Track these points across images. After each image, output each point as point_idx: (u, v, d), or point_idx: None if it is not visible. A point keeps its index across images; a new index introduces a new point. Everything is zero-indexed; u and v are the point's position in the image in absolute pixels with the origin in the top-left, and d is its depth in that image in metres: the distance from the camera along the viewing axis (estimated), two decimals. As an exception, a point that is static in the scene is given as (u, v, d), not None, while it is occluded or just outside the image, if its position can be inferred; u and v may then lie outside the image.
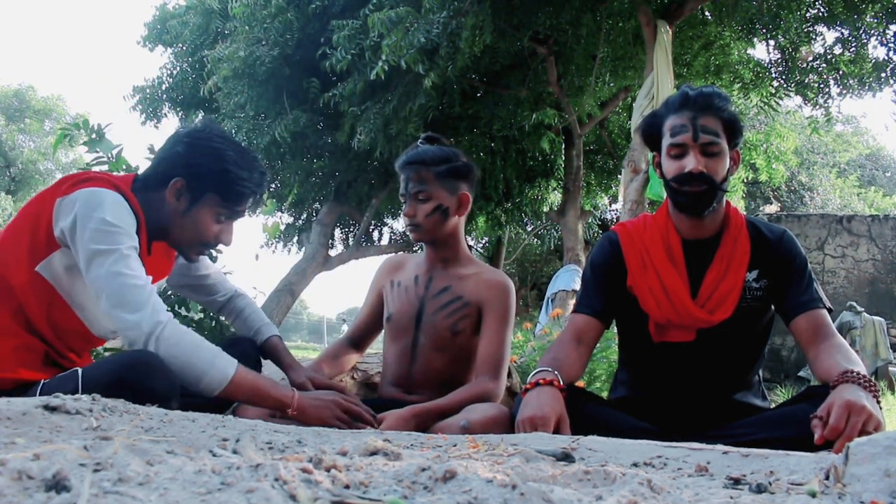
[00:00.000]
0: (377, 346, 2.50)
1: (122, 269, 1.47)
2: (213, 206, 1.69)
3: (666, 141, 1.70)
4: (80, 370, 1.42)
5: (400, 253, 2.29)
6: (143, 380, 1.20)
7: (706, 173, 1.64)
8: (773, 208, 13.02)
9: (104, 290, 1.47)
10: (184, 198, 1.67)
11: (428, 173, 1.94)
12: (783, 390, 7.12)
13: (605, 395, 2.88)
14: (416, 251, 2.12)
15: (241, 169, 1.69)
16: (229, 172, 1.67)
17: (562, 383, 1.60)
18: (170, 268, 1.87)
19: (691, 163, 1.65)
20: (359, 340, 2.20)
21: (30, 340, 1.55)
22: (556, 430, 1.49)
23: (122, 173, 3.95)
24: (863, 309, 7.64)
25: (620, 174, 8.84)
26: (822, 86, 7.51)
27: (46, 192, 1.60)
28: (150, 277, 1.56)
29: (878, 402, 1.39)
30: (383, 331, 2.14)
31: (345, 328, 26.61)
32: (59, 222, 1.52)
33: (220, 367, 1.49)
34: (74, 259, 1.52)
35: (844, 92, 7.43)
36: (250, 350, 1.94)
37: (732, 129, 1.69)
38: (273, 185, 10.40)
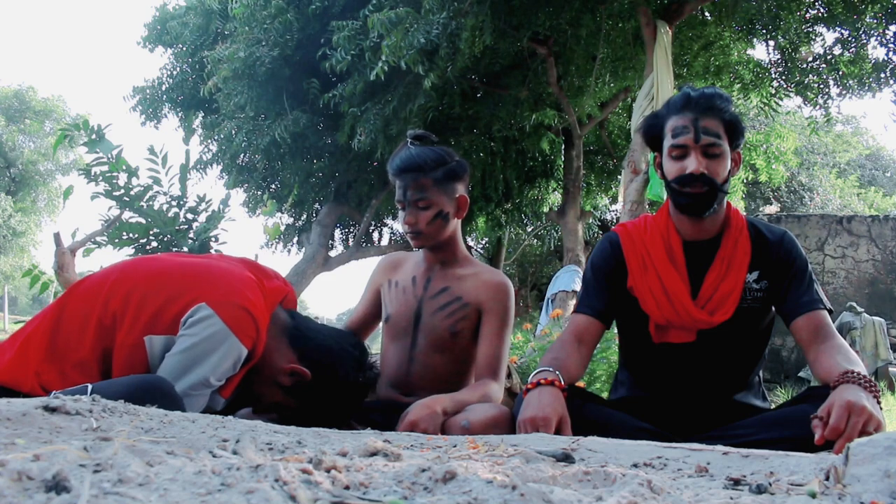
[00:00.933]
0: (375, 345, 2.49)
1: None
2: (292, 402, 1.69)
3: (667, 142, 1.70)
4: (90, 385, 1.41)
5: (397, 252, 2.26)
6: (151, 403, 1.20)
7: (707, 175, 1.64)
8: (773, 209, 13.04)
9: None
10: (285, 382, 1.64)
11: (427, 180, 1.91)
12: (783, 391, 7.13)
13: (605, 395, 2.88)
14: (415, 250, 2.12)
15: (354, 393, 1.73)
16: (329, 411, 1.69)
17: (563, 383, 1.60)
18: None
19: (692, 164, 1.65)
20: (368, 331, 2.19)
21: (75, 379, 1.52)
22: (558, 431, 1.49)
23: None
24: (863, 309, 7.64)
25: (620, 175, 8.85)
26: (821, 86, 7.52)
27: (200, 277, 1.56)
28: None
29: (879, 403, 1.39)
30: (381, 331, 2.14)
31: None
32: (188, 322, 1.50)
33: None
34: None
35: (844, 92, 7.44)
36: None
37: (734, 130, 1.69)
38: (273, 186, 10.42)
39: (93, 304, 1.54)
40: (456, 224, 2.01)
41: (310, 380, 1.63)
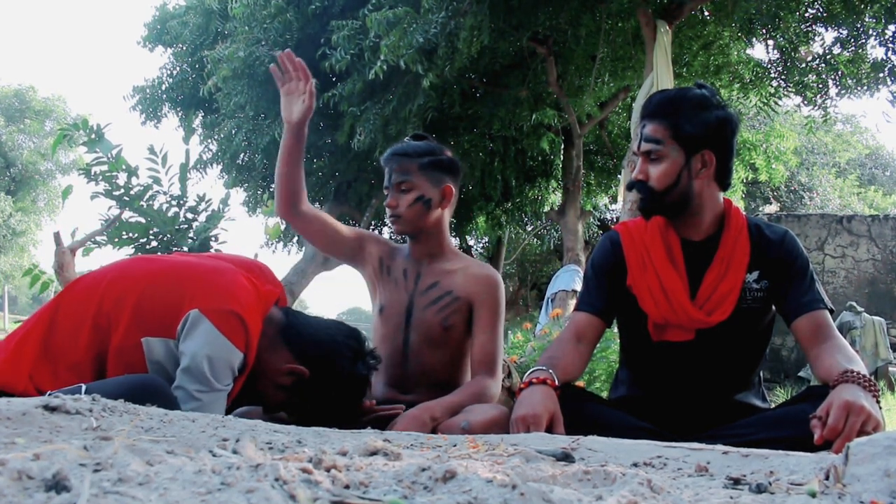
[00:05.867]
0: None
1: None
2: (296, 402, 1.68)
3: None
4: (83, 386, 1.41)
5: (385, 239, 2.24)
6: (145, 403, 1.21)
7: (642, 181, 1.70)
8: (772, 208, 13.03)
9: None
10: (285, 382, 1.64)
11: (411, 164, 1.95)
12: (783, 390, 7.12)
13: (604, 394, 2.88)
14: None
15: (346, 407, 1.71)
16: (335, 405, 1.67)
17: (556, 382, 1.61)
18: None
19: (636, 171, 1.71)
20: (313, 212, 2.04)
21: (68, 379, 1.52)
22: (550, 429, 1.49)
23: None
24: (863, 309, 7.64)
25: (620, 174, 8.84)
26: (820, 86, 7.51)
27: (194, 280, 1.55)
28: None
29: (878, 403, 1.39)
30: (373, 328, 2.11)
31: None
32: (184, 332, 1.50)
33: None
34: (177, 355, 1.52)
35: (843, 92, 7.43)
36: None
37: (687, 135, 1.66)
38: (273, 185, 10.40)
39: (87, 305, 1.54)
40: (440, 215, 2.01)
41: (308, 377, 1.63)
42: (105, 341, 1.52)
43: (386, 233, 12.28)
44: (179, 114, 10.65)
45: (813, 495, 0.70)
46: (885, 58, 6.94)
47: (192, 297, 1.52)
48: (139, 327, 1.51)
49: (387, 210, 1.98)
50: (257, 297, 1.60)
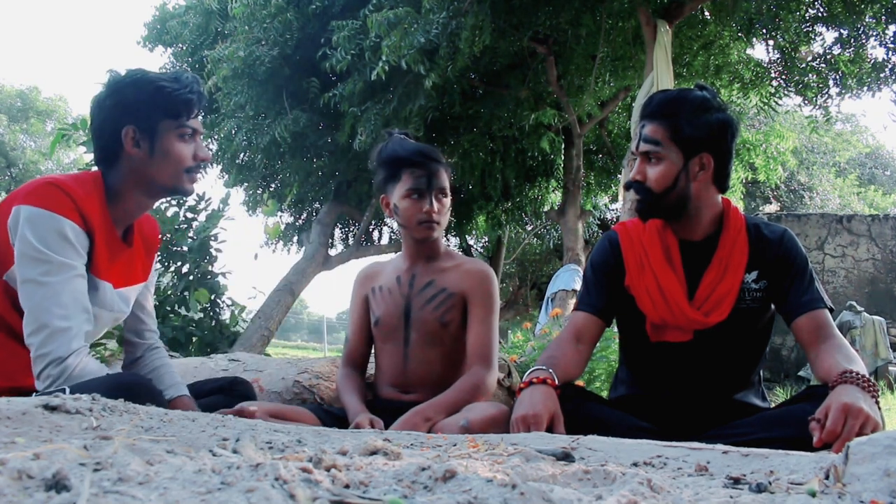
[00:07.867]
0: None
1: (51, 307, 1.43)
2: (172, 129, 1.63)
3: None
4: (67, 388, 1.40)
5: (370, 263, 2.27)
6: (130, 401, 1.20)
7: (639, 182, 1.69)
8: (772, 208, 13.03)
9: (29, 323, 1.45)
10: (142, 141, 1.61)
11: (444, 170, 1.98)
12: (783, 390, 7.12)
13: (604, 394, 2.88)
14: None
15: (170, 81, 1.64)
16: (163, 88, 1.62)
17: (556, 381, 1.61)
18: (150, 266, 1.81)
19: (634, 171, 1.70)
20: (361, 360, 2.14)
21: (14, 347, 1.53)
22: (550, 428, 1.49)
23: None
24: (863, 308, 7.64)
25: (620, 174, 8.84)
26: (821, 86, 7.51)
27: (12, 197, 1.54)
28: (81, 314, 1.48)
29: (877, 403, 1.38)
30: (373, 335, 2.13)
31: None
32: (13, 235, 1.49)
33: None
34: None
35: (844, 92, 7.42)
36: (250, 392, 1.95)
37: (685, 138, 1.65)
38: (273, 185, 10.41)
39: None
40: None
41: (133, 124, 1.59)
42: None
43: (386, 233, 12.27)
44: (179, 113, 10.62)
45: (813, 495, 0.70)
46: (885, 58, 6.94)
47: (9, 207, 1.50)
48: None
49: (422, 216, 1.96)
50: (74, 176, 1.60)
